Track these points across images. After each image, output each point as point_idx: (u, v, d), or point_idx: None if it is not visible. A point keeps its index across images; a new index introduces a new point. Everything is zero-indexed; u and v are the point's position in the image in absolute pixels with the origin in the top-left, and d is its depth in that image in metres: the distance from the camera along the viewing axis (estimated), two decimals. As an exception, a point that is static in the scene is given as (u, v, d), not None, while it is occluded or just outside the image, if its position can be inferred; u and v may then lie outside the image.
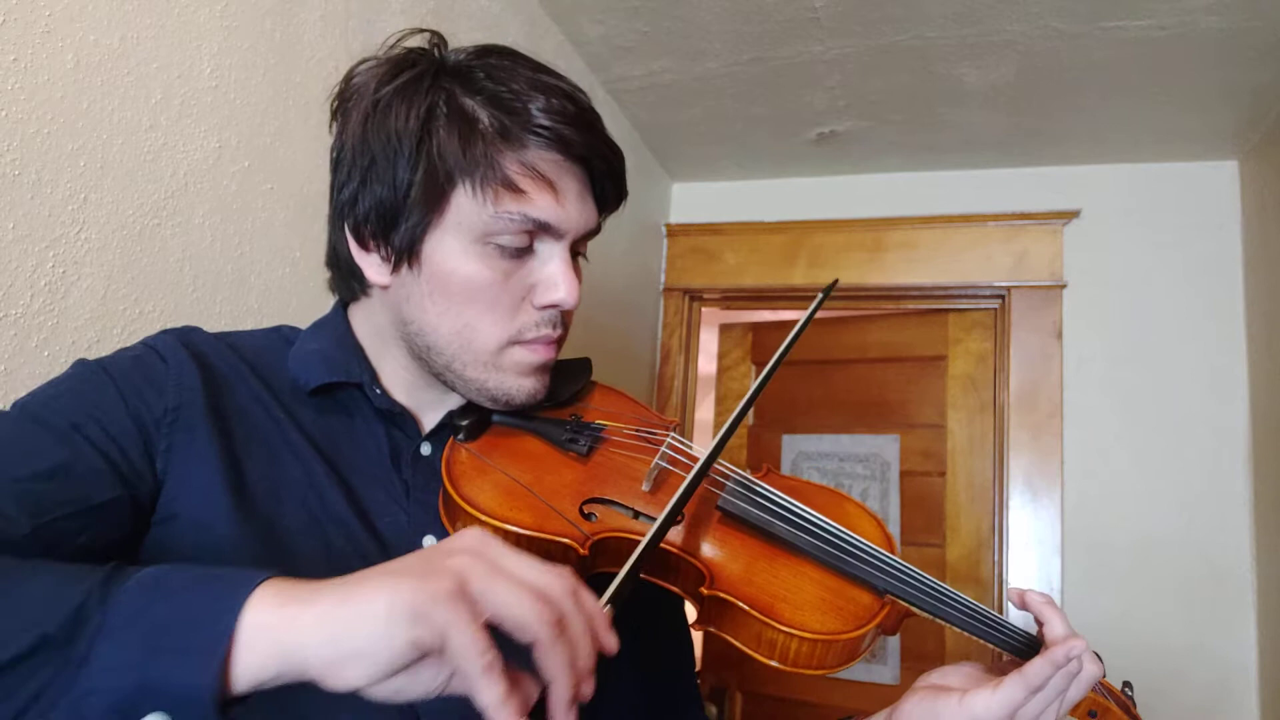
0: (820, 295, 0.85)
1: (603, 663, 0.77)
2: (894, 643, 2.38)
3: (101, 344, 0.91)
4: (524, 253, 0.68)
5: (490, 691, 0.42)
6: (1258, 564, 2.04)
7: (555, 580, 0.47)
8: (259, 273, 1.13)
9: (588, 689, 0.47)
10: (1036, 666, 0.62)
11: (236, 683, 0.43)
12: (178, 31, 0.99)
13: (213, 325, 1.05)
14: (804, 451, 2.60)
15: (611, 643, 0.48)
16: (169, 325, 0.99)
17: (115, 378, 0.64)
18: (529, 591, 0.45)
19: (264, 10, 1.12)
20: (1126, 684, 0.71)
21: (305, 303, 1.18)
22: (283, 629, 0.43)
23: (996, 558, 2.28)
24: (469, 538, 0.47)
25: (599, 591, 0.52)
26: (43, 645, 0.43)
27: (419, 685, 0.44)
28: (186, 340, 0.70)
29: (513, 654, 0.44)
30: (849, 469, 2.54)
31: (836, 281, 0.94)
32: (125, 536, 0.61)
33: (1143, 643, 2.07)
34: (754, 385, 0.74)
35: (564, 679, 0.45)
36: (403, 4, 1.38)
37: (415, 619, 0.42)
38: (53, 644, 0.43)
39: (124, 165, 0.93)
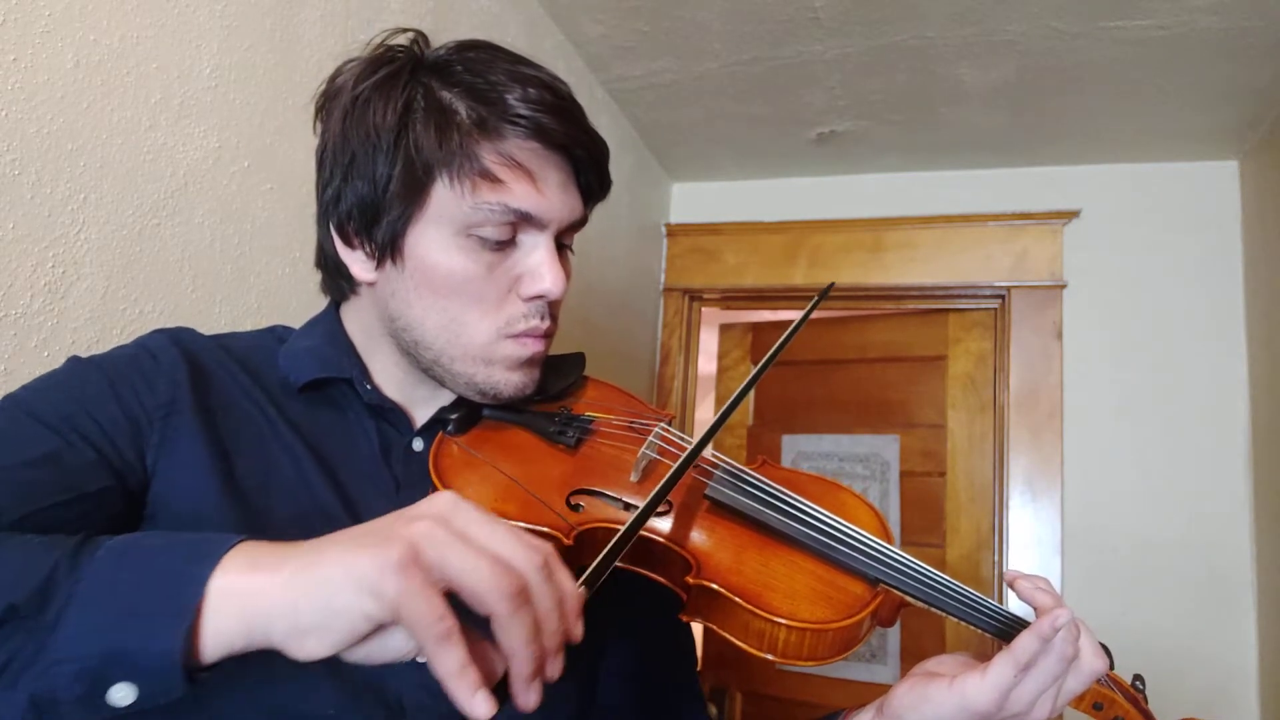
0: (816, 298, 0.84)
1: (598, 657, 0.77)
2: (894, 643, 2.39)
3: (101, 344, 0.91)
4: (507, 244, 0.68)
5: (446, 661, 0.41)
6: (1258, 564, 2.04)
7: (525, 551, 0.44)
8: (259, 273, 1.13)
9: (553, 669, 0.45)
10: (1023, 641, 0.61)
11: (205, 650, 0.42)
12: (178, 31, 0.99)
13: (213, 325, 1.05)
14: (804, 451, 2.60)
15: (578, 630, 0.46)
16: (169, 325, 0.99)
17: (108, 372, 0.65)
18: (490, 560, 0.42)
19: (264, 10, 1.12)
20: (1138, 677, 0.70)
21: (305, 303, 1.18)
22: (249, 596, 0.42)
23: (996, 558, 2.27)
24: (440, 502, 0.45)
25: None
26: (10, 615, 0.43)
27: (388, 651, 0.43)
28: (177, 339, 0.70)
29: (483, 625, 0.43)
30: (849, 469, 2.54)
31: (832, 285, 0.94)
32: (118, 528, 0.60)
33: (1142, 643, 2.07)
34: (751, 375, 0.73)
35: (523, 654, 0.43)
36: (403, 4, 1.38)
37: (364, 590, 0.41)
38: (21, 613, 0.43)
39: (124, 165, 0.93)
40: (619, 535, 0.57)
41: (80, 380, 0.64)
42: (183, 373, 0.67)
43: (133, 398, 0.64)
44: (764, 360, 0.76)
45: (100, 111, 0.90)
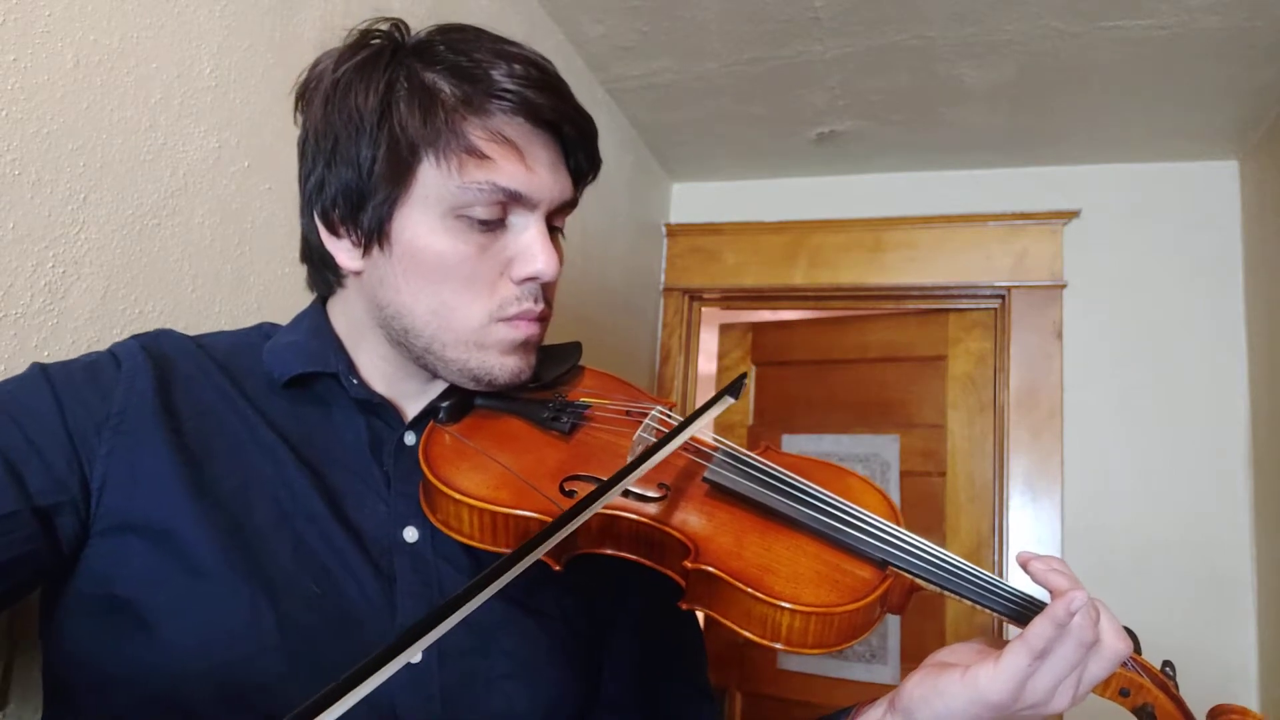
0: (729, 385, 0.78)
1: (600, 649, 0.75)
2: (894, 642, 2.38)
3: (101, 344, 0.90)
4: (497, 226, 0.66)
5: None
6: (1258, 565, 2.04)
7: None
8: (259, 273, 1.13)
9: None
10: (1037, 626, 0.57)
11: None
12: (178, 31, 0.99)
13: (212, 325, 1.05)
14: (804, 451, 2.59)
15: None
16: (169, 325, 0.99)
17: (55, 383, 0.63)
18: None
19: (264, 10, 1.12)
20: (1167, 663, 0.66)
21: (305, 302, 1.17)
22: None
23: (996, 558, 2.27)
24: None
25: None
26: None
27: None
28: (150, 344, 0.69)
29: None
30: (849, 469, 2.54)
31: (745, 375, 0.89)
32: (39, 549, 0.58)
33: (1143, 642, 2.06)
34: (666, 435, 0.66)
35: None
36: (403, 4, 1.38)
37: None
38: None
39: (124, 165, 0.93)
40: (591, 492, 0.56)
41: (27, 392, 0.62)
42: (146, 380, 0.65)
43: (79, 408, 0.62)
44: (677, 427, 0.69)
45: (100, 111, 0.90)
